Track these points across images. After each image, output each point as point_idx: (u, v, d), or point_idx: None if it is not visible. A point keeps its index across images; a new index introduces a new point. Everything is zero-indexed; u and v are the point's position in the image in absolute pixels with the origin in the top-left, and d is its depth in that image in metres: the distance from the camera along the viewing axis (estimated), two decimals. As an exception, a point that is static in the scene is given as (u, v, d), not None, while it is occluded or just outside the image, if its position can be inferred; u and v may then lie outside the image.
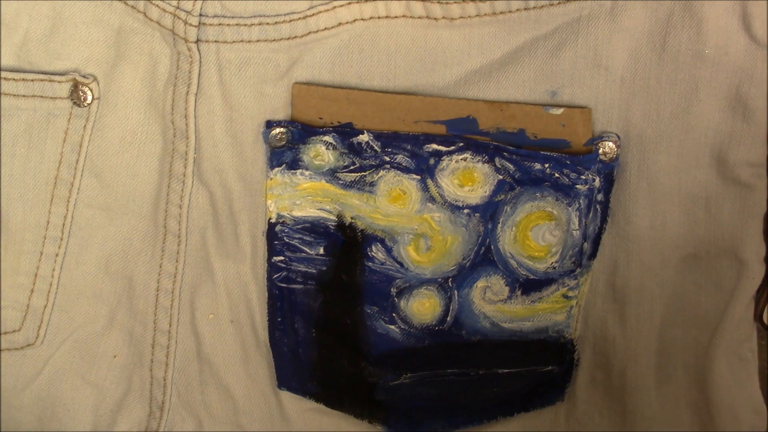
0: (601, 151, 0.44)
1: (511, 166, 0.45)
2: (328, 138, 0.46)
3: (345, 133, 0.46)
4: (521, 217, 0.45)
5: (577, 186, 0.44)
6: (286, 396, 0.50)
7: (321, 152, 0.46)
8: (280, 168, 0.46)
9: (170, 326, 0.50)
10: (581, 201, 0.45)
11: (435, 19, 0.44)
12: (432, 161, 0.45)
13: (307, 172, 0.46)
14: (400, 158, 0.45)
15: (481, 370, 0.48)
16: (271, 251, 0.47)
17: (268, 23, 0.45)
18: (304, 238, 0.47)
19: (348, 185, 0.46)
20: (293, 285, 0.48)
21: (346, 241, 0.47)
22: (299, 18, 0.45)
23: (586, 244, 0.45)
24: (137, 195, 0.49)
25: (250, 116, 0.47)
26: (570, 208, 0.45)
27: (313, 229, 0.47)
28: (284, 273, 0.48)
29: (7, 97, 0.48)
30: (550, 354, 0.47)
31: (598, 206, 0.45)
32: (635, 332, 0.46)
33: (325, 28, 0.45)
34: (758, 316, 0.45)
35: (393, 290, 0.47)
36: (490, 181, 0.45)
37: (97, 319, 0.50)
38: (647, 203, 0.45)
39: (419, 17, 0.45)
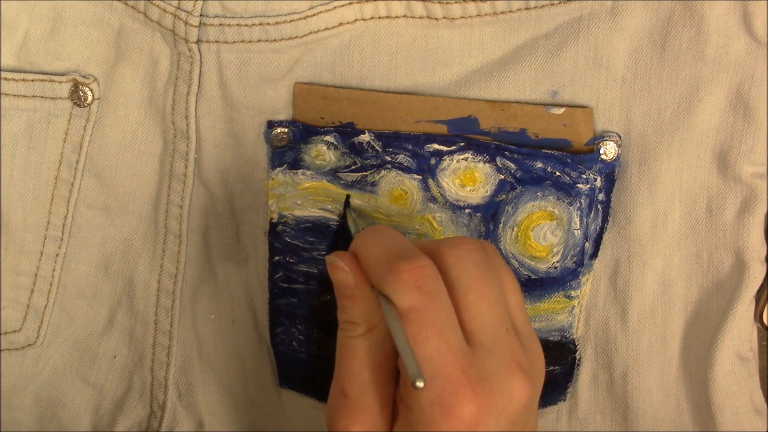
0: (602, 150, 0.44)
1: (513, 166, 0.45)
2: (329, 138, 0.46)
3: (346, 132, 0.46)
4: (522, 216, 0.45)
5: (579, 185, 0.45)
6: (288, 394, 0.50)
7: (322, 152, 0.46)
8: (282, 168, 0.46)
9: (171, 326, 0.50)
10: (582, 200, 0.45)
11: (436, 19, 0.44)
12: (433, 161, 0.45)
13: (308, 172, 0.46)
14: (401, 158, 0.45)
15: (483, 370, 0.48)
16: (273, 251, 0.47)
17: (269, 23, 0.45)
18: (306, 237, 0.47)
19: (349, 185, 0.46)
20: (295, 285, 0.48)
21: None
22: (300, 18, 0.45)
23: (587, 244, 0.45)
24: (137, 195, 0.49)
25: (251, 116, 0.47)
26: (571, 208, 0.45)
27: (315, 228, 0.47)
28: (286, 273, 0.48)
29: (8, 97, 0.48)
30: (552, 354, 0.47)
31: (599, 206, 0.45)
32: (637, 332, 0.46)
33: (326, 28, 0.45)
34: (758, 316, 0.45)
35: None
36: (491, 181, 0.45)
37: (98, 320, 0.50)
38: (648, 203, 0.45)
39: (420, 17, 0.45)
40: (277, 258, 0.47)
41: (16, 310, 0.50)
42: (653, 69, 0.43)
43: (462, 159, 0.45)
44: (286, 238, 0.47)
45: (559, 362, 0.47)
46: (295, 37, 0.45)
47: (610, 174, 0.45)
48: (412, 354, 0.32)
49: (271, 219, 0.47)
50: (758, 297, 0.45)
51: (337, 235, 0.47)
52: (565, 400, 0.48)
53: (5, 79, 0.48)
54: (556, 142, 0.45)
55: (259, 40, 0.46)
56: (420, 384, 0.31)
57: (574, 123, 0.44)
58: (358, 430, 0.35)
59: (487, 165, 0.45)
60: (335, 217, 0.47)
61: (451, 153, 0.45)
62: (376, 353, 0.36)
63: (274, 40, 0.45)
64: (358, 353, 0.36)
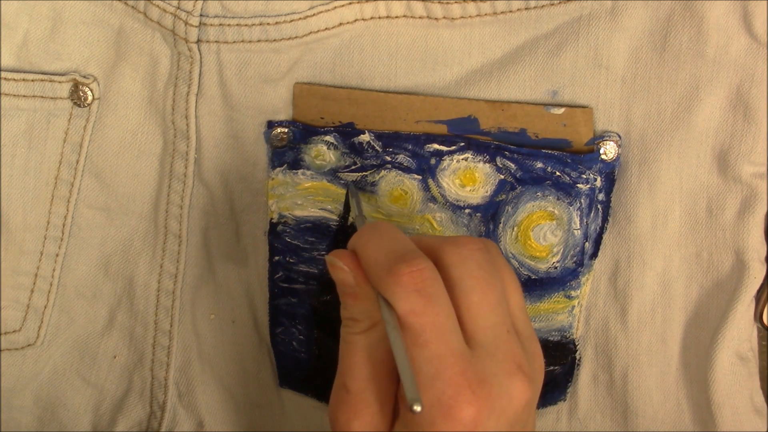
0: (602, 150, 0.44)
1: (513, 166, 0.45)
2: (329, 138, 0.46)
3: (346, 132, 0.46)
4: (522, 216, 0.45)
5: (579, 185, 0.45)
6: (288, 395, 0.50)
7: (322, 152, 0.46)
8: (282, 168, 0.46)
9: (171, 326, 0.50)
10: (582, 200, 0.45)
11: (436, 19, 0.44)
12: (433, 161, 0.45)
13: (308, 172, 0.46)
14: (401, 158, 0.45)
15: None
16: (273, 251, 0.47)
17: (269, 23, 0.45)
18: (306, 237, 0.47)
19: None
20: (294, 285, 0.48)
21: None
22: (300, 18, 0.45)
23: (587, 244, 0.45)
24: (137, 195, 0.49)
25: (251, 116, 0.47)
26: (571, 208, 0.45)
27: (315, 228, 0.47)
28: (285, 273, 0.48)
29: (8, 97, 0.48)
30: (552, 354, 0.47)
31: (599, 206, 0.45)
32: (637, 332, 0.46)
33: (326, 28, 0.45)
34: (758, 316, 0.45)
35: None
36: (491, 181, 0.45)
37: (97, 320, 0.50)
38: (648, 203, 0.45)
39: (420, 17, 0.45)
40: (277, 258, 0.47)
41: (16, 310, 0.50)
42: (653, 69, 0.43)
43: (462, 159, 0.45)
44: (286, 238, 0.47)
45: (559, 362, 0.47)
46: (295, 37, 0.45)
47: (610, 174, 0.45)
48: (411, 376, 0.32)
49: (271, 219, 0.47)
50: (758, 297, 0.45)
51: (337, 235, 0.47)
52: (565, 400, 0.48)
53: (5, 79, 0.48)
54: (556, 142, 0.45)
55: (259, 40, 0.46)
56: (417, 408, 0.31)
57: (574, 123, 0.44)
58: (358, 428, 0.35)
59: (487, 165, 0.45)
60: (335, 217, 0.47)
61: (451, 153, 0.45)
62: (377, 350, 0.36)
63: (274, 40, 0.45)
64: (359, 349, 0.36)
